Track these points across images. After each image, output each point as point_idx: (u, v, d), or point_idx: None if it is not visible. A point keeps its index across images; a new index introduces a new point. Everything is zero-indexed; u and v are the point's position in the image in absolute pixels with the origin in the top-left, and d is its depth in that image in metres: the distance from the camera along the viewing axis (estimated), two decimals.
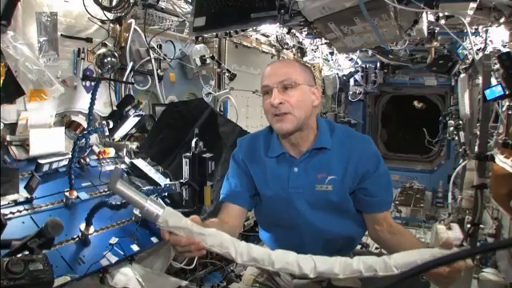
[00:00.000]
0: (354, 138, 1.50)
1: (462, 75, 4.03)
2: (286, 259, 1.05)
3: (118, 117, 2.47)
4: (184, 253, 1.11)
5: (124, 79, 2.64)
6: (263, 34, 4.15)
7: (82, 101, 2.42)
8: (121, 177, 1.02)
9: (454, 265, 1.04)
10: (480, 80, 3.37)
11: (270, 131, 1.56)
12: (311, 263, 1.03)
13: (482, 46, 3.33)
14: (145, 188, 2.25)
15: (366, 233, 1.57)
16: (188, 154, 2.26)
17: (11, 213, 1.77)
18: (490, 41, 3.26)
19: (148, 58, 2.77)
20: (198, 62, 3.14)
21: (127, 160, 2.59)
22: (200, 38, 3.33)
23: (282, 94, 1.37)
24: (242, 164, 1.55)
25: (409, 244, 1.35)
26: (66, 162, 2.14)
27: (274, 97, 1.36)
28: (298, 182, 1.46)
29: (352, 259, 1.03)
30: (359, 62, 5.95)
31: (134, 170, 2.52)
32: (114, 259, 1.87)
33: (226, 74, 3.57)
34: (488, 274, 2.68)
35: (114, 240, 1.96)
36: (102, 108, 2.58)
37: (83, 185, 2.20)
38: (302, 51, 5.25)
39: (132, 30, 2.64)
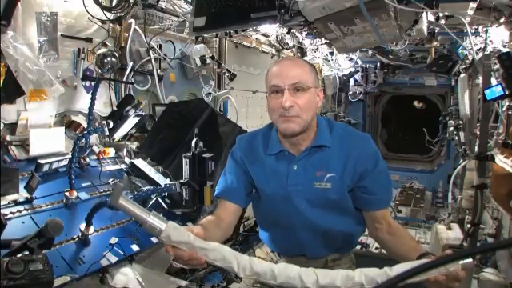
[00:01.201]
0: (353, 136, 1.50)
1: (462, 75, 4.03)
2: (288, 273, 1.05)
3: (118, 117, 2.47)
4: (186, 265, 1.14)
5: (124, 79, 2.64)
6: (263, 34, 4.15)
7: (82, 101, 2.42)
8: (122, 192, 1.03)
9: (453, 274, 1.03)
10: (480, 80, 3.37)
11: (269, 129, 1.56)
12: (313, 276, 1.04)
13: (482, 46, 3.33)
14: (145, 188, 2.25)
15: (366, 232, 1.58)
16: (188, 154, 2.26)
17: (11, 213, 1.77)
18: (490, 41, 3.26)
19: (148, 58, 2.77)
20: (198, 62, 3.14)
21: (127, 160, 2.59)
22: (200, 38, 3.33)
23: (292, 95, 1.36)
24: (240, 162, 1.56)
25: (407, 247, 1.35)
26: (65, 162, 2.14)
27: (286, 99, 1.35)
28: (296, 179, 1.46)
29: (354, 272, 1.04)
30: (359, 62, 5.95)
31: (134, 170, 2.52)
32: (114, 259, 1.87)
33: (226, 74, 3.57)
34: (488, 274, 2.68)
35: (114, 240, 1.96)
36: (102, 108, 2.58)
37: (83, 185, 2.20)
38: (302, 51, 5.25)
39: (132, 29, 2.64)
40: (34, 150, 2.06)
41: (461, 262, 1.03)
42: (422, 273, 0.91)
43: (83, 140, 2.23)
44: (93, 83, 2.39)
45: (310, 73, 1.41)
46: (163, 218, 1.06)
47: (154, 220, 1.04)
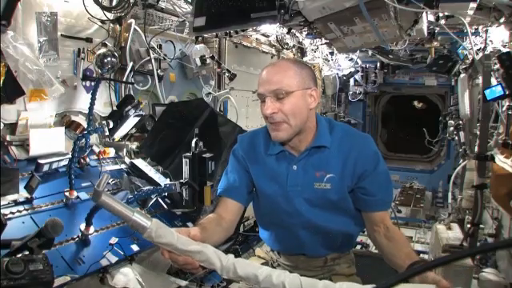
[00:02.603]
0: (353, 136, 1.50)
1: (462, 75, 4.03)
2: (272, 280, 1.03)
3: (118, 117, 2.47)
4: (180, 268, 1.11)
5: (124, 79, 2.63)
6: (263, 34, 4.15)
7: (82, 101, 2.42)
8: (104, 189, 0.99)
9: None
10: (480, 80, 3.37)
11: None
12: (297, 284, 1.02)
13: (482, 46, 3.33)
14: (145, 188, 2.25)
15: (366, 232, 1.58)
16: (188, 154, 2.26)
17: (11, 213, 1.77)
18: (490, 41, 3.26)
19: (148, 58, 2.77)
20: (198, 62, 3.14)
21: (127, 160, 2.59)
22: (200, 38, 3.33)
23: (275, 102, 1.36)
24: (241, 160, 1.56)
25: (401, 254, 1.33)
26: (65, 162, 2.14)
27: (267, 107, 1.36)
28: (296, 180, 1.46)
29: (335, 285, 1.01)
30: (359, 62, 5.94)
31: (134, 170, 2.52)
32: (114, 259, 1.87)
33: (226, 74, 3.57)
34: (488, 274, 2.68)
35: (114, 240, 1.96)
36: (102, 108, 2.58)
37: (83, 185, 2.20)
38: (302, 51, 5.26)
39: (132, 29, 2.64)
40: (34, 150, 2.06)
41: None
42: (427, 270, 0.89)
43: (83, 140, 2.23)
44: (93, 83, 2.39)
45: (294, 76, 1.37)
46: (148, 216, 1.04)
47: (138, 218, 1.01)
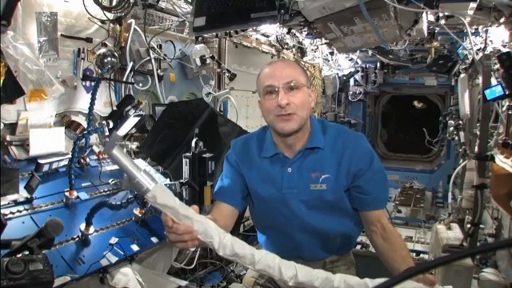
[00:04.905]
0: (346, 135, 1.50)
1: (462, 75, 4.03)
2: (268, 262, 1.03)
3: (118, 117, 2.46)
4: (177, 242, 1.07)
5: (124, 79, 2.63)
6: (263, 34, 4.15)
7: (82, 101, 2.42)
8: (117, 143, 1.00)
9: None
10: (480, 80, 3.37)
11: (264, 132, 1.56)
12: (293, 271, 1.01)
13: (482, 46, 3.33)
14: None
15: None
16: (188, 154, 2.26)
17: (11, 213, 1.77)
18: (490, 41, 3.26)
19: (148, 58, 2.77)
20: (198, 62, 3.14)
21: None
22: (200, 38, 3.33)
23: (287, 94, 1.38)
24: (235, 165, 1.56)
25: (396, 257, 1.34)
26: (65, 162, 2.14)
27: (282, 97, 1.36)
28: (291, 182, 1.46)
29: (335, 276, 1.01)
30: (359, 62, 5.95)
31: None
32: (114, 259, 1.88)
33: (226, 74, 3.57)
34: (488, 274, 2.68)
35: (114, 240, 1.97)
36: (102, 108, 2.58)
37: (83, 185, 2.20)
38: (302, 51, 5.26)
39: (132, 29, 2.64)
40: (34, 150, 2.06)
41: None
42: (426, 271, 0.89)
43: (83, 140, 2.23)
44: (93, 83, 2.39)
45: (301, 72, 1.45)
46: (154, 178, 1.02)
47: (144, 177, 1.00)
